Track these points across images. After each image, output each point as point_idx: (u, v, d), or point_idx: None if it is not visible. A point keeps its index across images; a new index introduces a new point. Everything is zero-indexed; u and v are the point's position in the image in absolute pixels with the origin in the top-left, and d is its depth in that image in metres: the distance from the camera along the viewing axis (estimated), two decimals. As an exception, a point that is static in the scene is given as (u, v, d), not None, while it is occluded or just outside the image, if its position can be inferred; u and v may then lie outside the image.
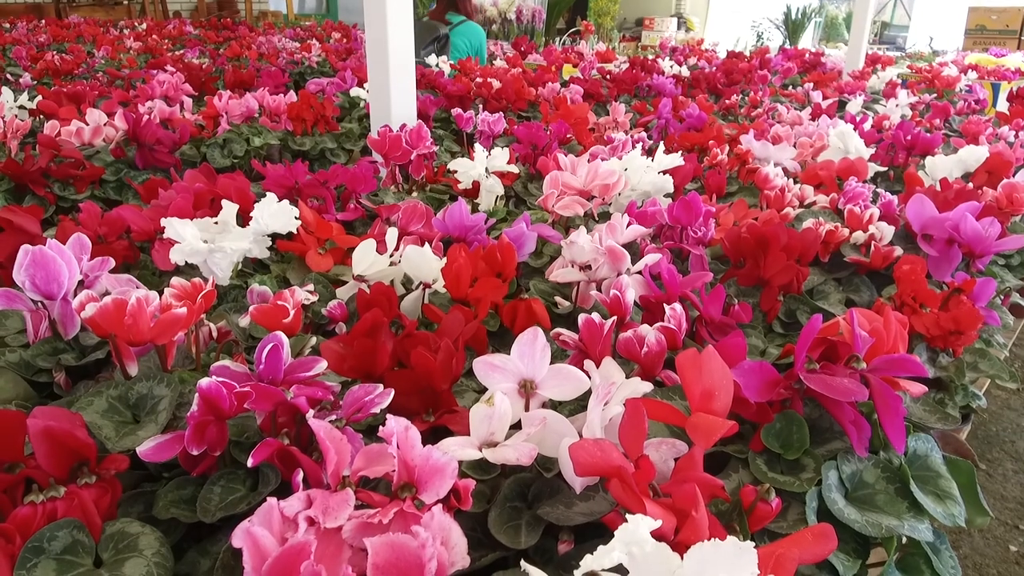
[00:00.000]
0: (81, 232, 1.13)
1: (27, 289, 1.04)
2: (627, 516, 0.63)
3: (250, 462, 0.78)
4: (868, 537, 0.79)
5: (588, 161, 1.68)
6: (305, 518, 0.68)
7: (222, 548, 0.81)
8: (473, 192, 1.89)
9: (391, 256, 1.30)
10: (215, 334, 1.12)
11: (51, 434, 0.76)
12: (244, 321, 1.20)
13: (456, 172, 1.84)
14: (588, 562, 0.58)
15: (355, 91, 3.37)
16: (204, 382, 0.79)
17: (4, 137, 2.30)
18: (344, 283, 1.38)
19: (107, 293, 1.15)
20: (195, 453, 0.81)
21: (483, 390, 1.12)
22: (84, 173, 2.09)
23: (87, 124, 2.40)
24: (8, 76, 4.33)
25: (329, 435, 0.76)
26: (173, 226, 1.22)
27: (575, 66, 5.00)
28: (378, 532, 0.69)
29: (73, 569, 0.71)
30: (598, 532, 0.80)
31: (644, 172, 1.73)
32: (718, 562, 0.56)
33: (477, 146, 1.77)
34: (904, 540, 0.82)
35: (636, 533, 0.58)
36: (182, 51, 5.83)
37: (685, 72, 4.68)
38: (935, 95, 3.96)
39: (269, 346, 0.86)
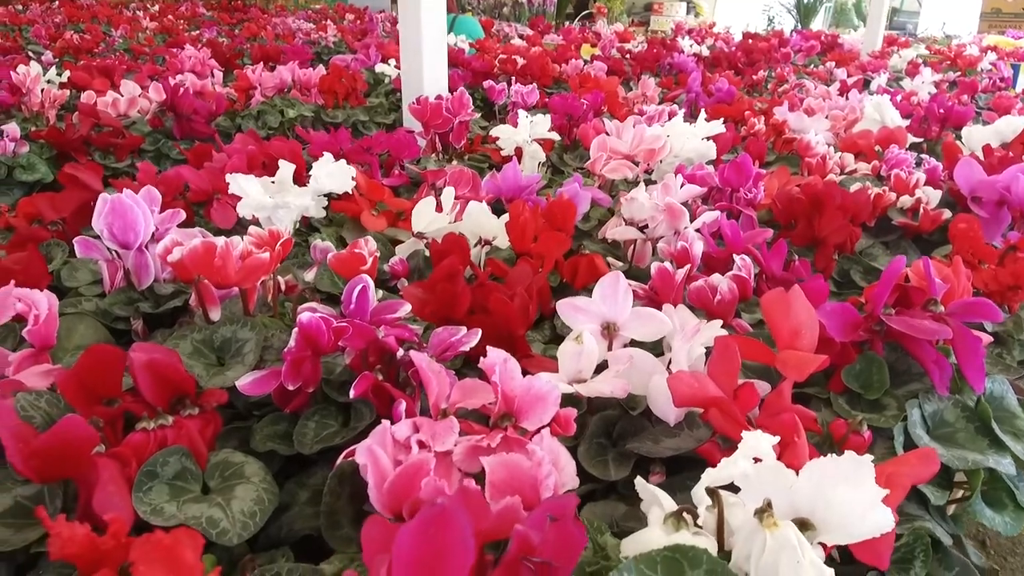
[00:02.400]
0: (151, 187, 1.15)
1: (105, 238, 1.05)
2: (735, 440, 0.64)
3: (352, 393, 0.80)
4: (951, 473, 0.81)
5: (633, 126, 1.68)
6: (416, 441, 0.70)
7: (318, 480, 0.84)
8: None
9: (449, 215, 1.31)
10: (283, 287, 1.13)
11: (155, 366, 0.77)
12: (309, 275, 1.22)
13: (499, 139, 1.84)
14: (708, 476, 0.60)
15: (380, 67, 3.37)
16: (304, 316, 0.80)
17: (41, 108, 2.31)
18: (398, 243, 1.39)
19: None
20: (291, 388, 0.83)
21: (550, 341, 1.14)
22: (124, 142, 2.10)
23: (121, 95, 2.41)
24: (30, 54, 4.34)
25: (430, 367, 0.77)
26: (237, 181, 1.24)
27: (593, 46, 4.99)
28: (486, 456, 0.71)
29: (184, 494, 0.73)
30: (681, 468, 0.82)
31: (687, 138, 1.73)
32: (837, 475, 0.57)
33: (521, 112, 1.77)
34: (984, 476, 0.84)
35: (755, 449, 0.60)
36: (198, 31, 5.82)
37: (705, 51, 4.67)
38: (958, 74, 3.95)
39: (358, 287, 0.88)
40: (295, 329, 0.82)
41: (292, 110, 2.48)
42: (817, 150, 1.85)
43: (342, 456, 0.76)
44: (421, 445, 0.69)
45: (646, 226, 1.30)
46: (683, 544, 0.55)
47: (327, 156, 1.38)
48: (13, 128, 1.96)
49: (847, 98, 2.78)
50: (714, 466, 0.61)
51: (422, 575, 0.43)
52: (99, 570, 0.56)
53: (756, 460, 0.60)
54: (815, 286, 0.89)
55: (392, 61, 3.37)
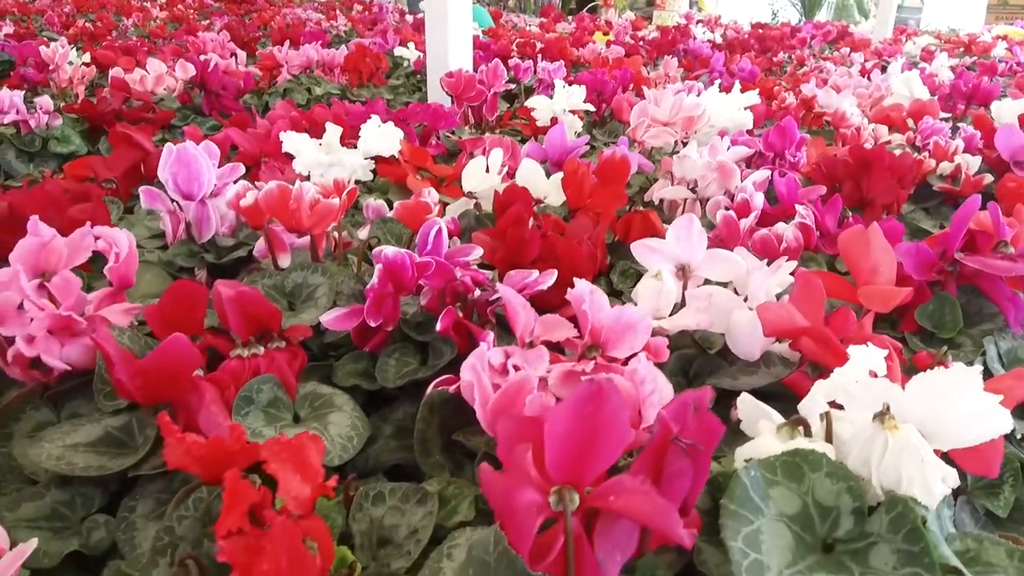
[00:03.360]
0: (210, 141, 1.15)
1: (169, 188, 1.06)
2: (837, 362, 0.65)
3: (439, 326, 0.81)
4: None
5: (673, 94, 1.69)
6: (512, 365, 0.70)
7: (400, 415, 0.84)
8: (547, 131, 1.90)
9: (498, 175, 1.32)
10: (339, 243, 1.14)
11: (242, 299, 0.78)
12: (362, 233, 1.23)
13: (533, 110, 1.85)
14: (820, 387, 0.60)
15: (399, 50, 3.37)
16: (389, 251, 0.81)
17: (70, 83, 2.31)
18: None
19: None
20: (372, 325, 0.84)
21: (609, 295, 1.15)
22: (155, 116, 2.11)
23: (148, 73, 2.41)
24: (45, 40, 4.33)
25: (516, 300, 0.78)
26: (291, 140, 1.24)
27: (605, 34, 4.99)
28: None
29: (278, 421, 0.74)
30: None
31: (724, 108, 1.74)
32: (945, 386, 0.58)
33: (557, 81, 1.78)
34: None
35: (867, 361, 0.60)
36: (208, 22, 5.82)
37: (718, 39, 4.67)
38: (974, 59, 3.95)
39: (434, 229, 0.88)
40: (378, 266, 0.83)
41: (318, 88, 2.48)
42: (852, 121, 1.85)
43: (432, 386, 0.76)
44: (516, 368, 0.70)
45: (695, 186, 1.31)
46: (802, 448, 0.55)
47: (374, 118, 1.39)
48: (46, 101, 1.96)
49: (869, 79, 2.79)
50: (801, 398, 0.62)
51: (576, 454, 0.44)
52: (222, 474, 0.57)
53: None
54: (891, 226, 0.89)
55: (411, 44, 3.37)
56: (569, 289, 0.76)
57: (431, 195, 1.06)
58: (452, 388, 0.75)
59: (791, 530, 0.52)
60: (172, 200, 1.08)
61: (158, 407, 0.76)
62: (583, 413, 0.43)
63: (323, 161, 1.23)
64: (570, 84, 2.44)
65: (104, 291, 0.86)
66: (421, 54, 3.24)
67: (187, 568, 0.56)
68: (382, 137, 1.37)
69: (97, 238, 0.85)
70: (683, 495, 0.46)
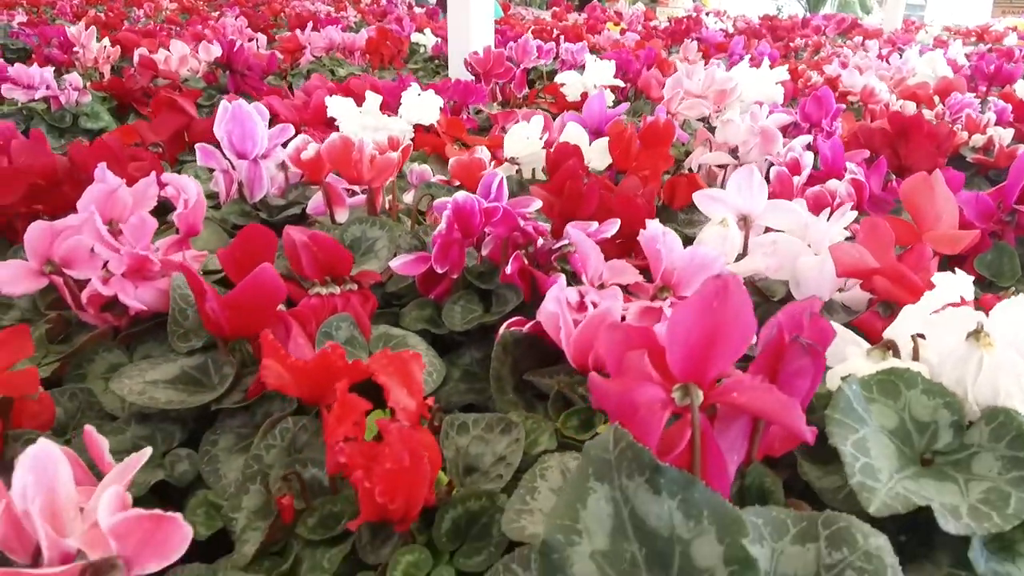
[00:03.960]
0: (259, 103, 1.16)
1: (224, 146, 1.06)
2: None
3: (509, 268, 0.81)
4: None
5: (704, 68, 1.69)
6: (591, 302, 0.71)
7: (467, 360, 0.85)
8: (577, 106, 1.91)
9: (540, 140, 1.32)
10: (393, 203, 1.15)
11: (316, 243, 0.79)
12: (407, 197, 1.23)
13: (564, 85, 1.85)
14: (908, 312, 0.61)
15: (415, 36, 3.37)
16: (460, 195, 0.82)
17: (95, 63, 2.31)
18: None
19: (283, 164, 1.18)
20: (439, 271, 0.84)
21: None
22: (182, 95, 2.11)
23: (171, 54, 2.41)
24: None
25: (587, 242, 0.79)
26: (336, 104, 1.25)
27: (616, 24, 4.99)
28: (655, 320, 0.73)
29: (355, 359, 0.74)
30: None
31: (756, 82, 1.74)
32: (1032, 309, 0.59)
33: (588, 56, 1.78)
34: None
35: (955, 288, 0.61)
36: (218, 14, 5.81)
37: (730, 28, 4.68)
38: (988, 47, 3.96)
39: (497, 178, 0.89)
40: (446, 212, 0.83)
41: (341, 69, 2.49)
42: (881, 97, 1.86)
43: (504, 326, 0.77)
44: (594, 305, 0.71)
45: (736, 151, 1.31)
46: (898, 367, 0.56)
47: (414, 86, 1.39)
48: (75, 78, 1.97)
49: (888, 63, 2.79)
50: (875, 340, 0.63)
51: (700, 350, 0.44)
52: (323, 393, 0.58)
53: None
54: (951, 175, 0.90)
55: (427, 30, 3.38)
56: (641, 231, 0.76)
57: (484, 152, 1.07)
58: (526, 328, 0.76)
59: (892, 442, 0.53)
60: (225, 159, 1.09)
61: (233, 347, 0.77)
62: (708, 308, 0.44)
63: (368, 124, 1.23)
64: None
65: (172, 238, 0.87)
66: (438, 39, 3.25)
67: (290, 481, 0.57)
68: (422, 105, 1.37)
69: (165, 185, 0.86)
70: (803, 393, 0.47)
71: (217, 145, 1.08)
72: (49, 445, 0.46)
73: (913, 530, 0.51)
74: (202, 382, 0.76)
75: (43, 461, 0.45)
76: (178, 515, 0.41)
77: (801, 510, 0.47)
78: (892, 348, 0.60)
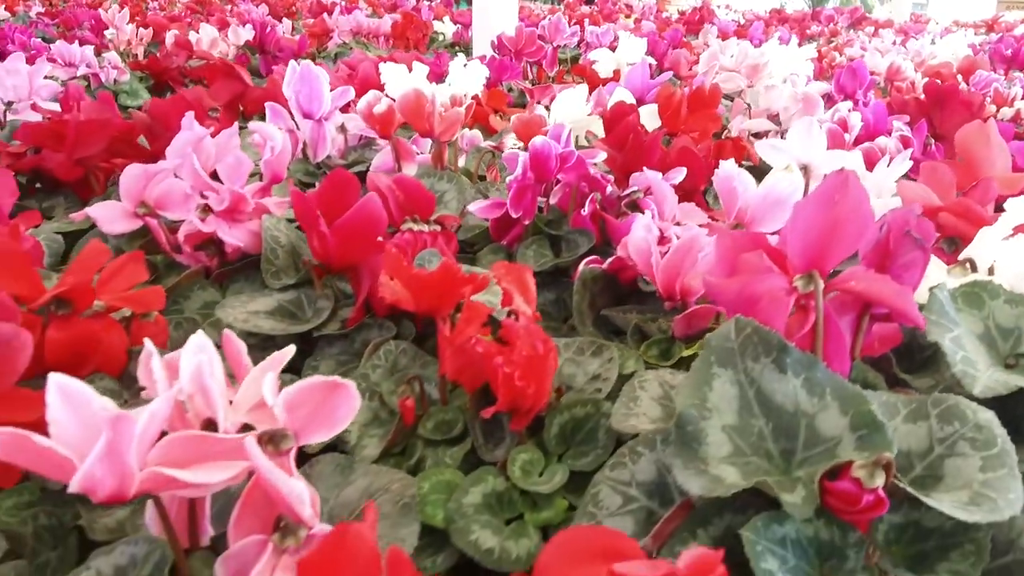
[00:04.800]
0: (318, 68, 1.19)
1: (292, 106, 1.10)
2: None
3: (586, 209, 0.85)
4: None
5: (736, 43, 1.73)
6: (673, 235, 0.75)
7: (542, 300, 0.89)
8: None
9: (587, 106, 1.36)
10: (455, 160, 1.18)
11: (401, 185, 0.82)
12: (460, 161, 1.27)
13: (596, 62, 1.89)
14: (984, 235, 0.65)
15: (435, 24, 3.41)
16: (537, 140, 0.85)
17: (128, 45, 2.35)
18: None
19: (342, 126, 1.21)
20: (514, 216, 0.88)
21: (707, 212, 1.19)
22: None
23: (201, 36, 2.45)
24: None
25: (661, 184, 0.82)
26: (390, 70, 1.28)
27: (627, 16, 5.03)
28: (734, 252, 0.76)
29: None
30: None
31: (787, 58, 1.78)
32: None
33: (621, 33, 1.82)
34: None
35: (1018, 216, 0.65)
36: (230, 7, 5.85)
37: (741, 20, 4.71)
38: (999, 37, 4.00)
39: (566, 129, 0.92)
40: (522, 158, 0.87)
41: (369, 52, 2.52)
42: (906, 75, 1.89)
43: (584, 263, 0.81)
44: (677, 237, 0.74)
45: (778, 118, 1.35)
46: (981, 279, 0.60)
47: (460, 56, 1.43)
48: (114, 56, 2.01)
49: (905, 48, 2.83)
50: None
51: (820, 241, 0.48)
52: (441, 304, 0.62)
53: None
54: (1003, 126, 0.93)
55: (446, 18, 3.41)
56: (716, 171, 0.80)
57: (543, 110, 1.10)
58: (604, 265, 0.80)
59: (981, 345, 0.57)
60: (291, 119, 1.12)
61: (326, 283, 0.81)
62: (829, 201, 0.47)
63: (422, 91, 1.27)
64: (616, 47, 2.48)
65: (256, 184, 0.90)
66: (458, 26, 3.29)
67: (412, 385, 0.61)
68: (468, 76, 1.41)
69: (253, 132, 0.89)
70: (913, 284, 0.50)
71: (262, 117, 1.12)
72: (205, 337, 0.49)
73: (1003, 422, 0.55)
74: (297, 315, 0.80)
75: (205, 348, 0.49)
76: (349, 382, 0.45)
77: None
78: (971, 265, 0.63)
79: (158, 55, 2.14)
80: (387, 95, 1.31)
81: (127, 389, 0.66)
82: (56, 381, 0.40)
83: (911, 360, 0.63)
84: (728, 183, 0.78)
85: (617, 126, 1.05)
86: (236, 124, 0.92)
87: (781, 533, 0.42)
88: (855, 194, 0.47)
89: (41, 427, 0.54)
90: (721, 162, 0.80)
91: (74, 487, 0.38)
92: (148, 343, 0.48)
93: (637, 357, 0.73)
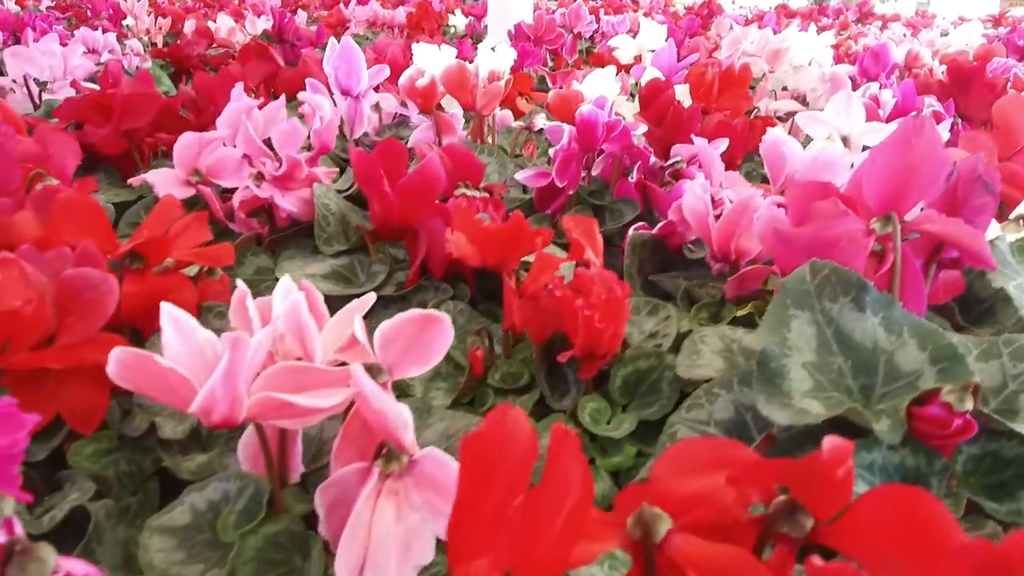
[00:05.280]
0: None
1: (331, 82, 1.11)
2: None
3: (634, 176, 0.86)
4: None
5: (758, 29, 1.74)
6: (727, 198, 0.76)
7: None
8: (628, 70, 1.95)
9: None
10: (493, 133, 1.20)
11: (451, 152, 0.83)
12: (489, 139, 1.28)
13: (617, 49, 1.90)
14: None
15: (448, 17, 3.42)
16: (584, 108, 0.87)
17: (147, 33, 2.36)
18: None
19: (376, 105, 1.23)
20: (560, 185, 0.89)
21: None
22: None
23: (219, 26, 2.46)
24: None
25: (709, 150, 0.84)
26: (423, 50, 1.29)
27: (635, 11, 5.04)
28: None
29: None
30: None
31: (806, 45, 1.79)
32: None
33: (642, 19, 1.83)
34: None
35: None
36: (238, 1, 5.85)
37: (749, 15, 4.73)
38: (1009, 29, 4.01)
39: (609, 101, 0.94)
40: (567, 127, 0.88)
41: (385, 42, 2.53)
42: (925, 61, 1.90)
43: (632, 229, 0.82)
44: (730, 201, 0.76)
45: (805, 99, 1.36)
46: (1037, 233, 0.61)
47: (488, 38, 1.44)
48: (136, 44, 2.02)
49: (917, 39, 2.84)
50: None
51: (896, 184, 0.49)
52: (507, 258, 0.63)
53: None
54: (1039, 97, 0.95)
55: (458, 11, 3.42)
56: (763, 138, 0.81)
57: (577, 85, 1.12)
58: (655, 230, 0.81)
59: (1041, 294, 0.58)
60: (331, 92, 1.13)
61: (378, 249, 0.82)
62: (906, 145, 0.49)
63: (456, 69, 1.28)
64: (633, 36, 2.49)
65: (309, 154, 0.91)
66: (470, 18, 3.30)
67: (481, 336, 0.62)
68: (497, 57, 1.42)
69: (302, 103, 0.91)
70: (984, 228, 0.51)
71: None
72: (291, 281, 0.51)
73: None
74: (350, 280, 0.81)
75: (293, 292, 0.50)
76: (444, 315, 0.46)
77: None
78: (1023, 222, 0.65)
79: (177, 44, 2.15)
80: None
81: (196, 344, 0.67)
82: (168, 310, 0.42)
83: (968, 313, 0.64)
84: (776, 148, 0.79)
85: (654, 102, 1.06)
86: (283, 97, 0.93)
87: (869, 459, 0.43)
88: (930, 137, 0.48)
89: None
90: (768, 128, 0.81)
91: (195, 407, 0.39)
92: (242, 284, 0.49)
93: (689, 319, 0.74)
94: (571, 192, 0.92)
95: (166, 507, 0.49)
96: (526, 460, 0.27)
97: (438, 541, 0.41)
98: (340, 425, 0.56)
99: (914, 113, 0.49)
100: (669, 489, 0.34)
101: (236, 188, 0.86)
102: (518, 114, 1.52)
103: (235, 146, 0.86)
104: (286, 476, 0.49)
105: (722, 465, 0.35)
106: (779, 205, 0.77)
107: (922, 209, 0.55)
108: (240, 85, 0.90)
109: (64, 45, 1.98)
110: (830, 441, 0.29)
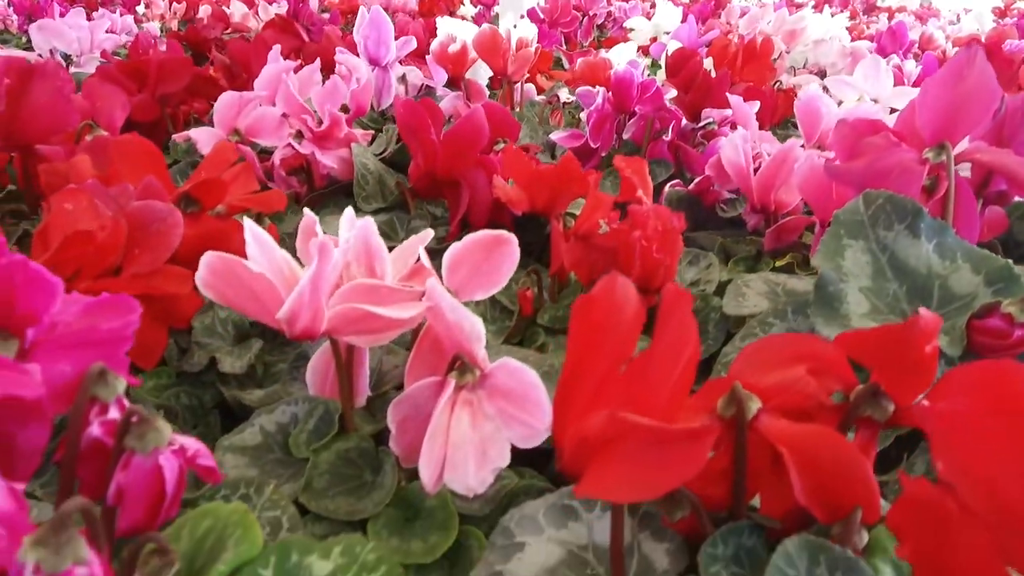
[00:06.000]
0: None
1: (361, 50, 1.12)
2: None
3: (669, 136, 0.87)
4: None
5: (774, 11, 1.75)
6: (765, 151, 0.77)
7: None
8: (644, 51, 1.97)
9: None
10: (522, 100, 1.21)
11: (489, 111, 0.84)
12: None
13: (633, 30, 1.91)
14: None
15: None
16: (620, 68, 0.88)
17: (163, 18, 2.37)
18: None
19: (403, 76, 1.24)
20: (594, 146, 0.90)
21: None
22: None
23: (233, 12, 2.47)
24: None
25: (744, 107, 0.85)
26: (447, 24, 1.30)
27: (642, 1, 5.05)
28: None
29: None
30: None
31: (822, 25, 1.80)
32: None
33: (658, 1, 1.84)
34: None
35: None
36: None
37: (756, 8, 4.74)
38: (1019, 16, 4.02)
39: (641, 64, 0.95)
40: (602, 89, 0.89)
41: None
42: (939, 43, 1.91)
43: (668, 186, 0.83)
44: (768, 153, 0.77)
45: (824, 74, 1.37)
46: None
47: (510, 15, 1.45)
48: (154, 27, 2.03)
49: (926, 25, 2.85)
50: None
51: (949, 113, 0.50)
52: (556, 201, 0.64)
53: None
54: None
55: (467, 0, 3.43)
56: (799, 95, 0.82)
57: (605, 54, 1.13)
58: (691, 187, 0.82)
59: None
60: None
61: (419, 204, 0.83)
62: (959, 76, 0.50)
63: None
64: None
65: (346, 116, 0.92)
66: (480, 7, 3.31)
67: (532, 277, 0.63)
68: (520, 30, 1.43)
69: (339, 64, 0.92)
70: (1034, 158, 0.53)
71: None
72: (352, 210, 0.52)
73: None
74: (390, 235, 0.83)
75: (354, 218, 0.51)
76: (512, 236, 0.47)
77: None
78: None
79: (195, 27, 2.16)
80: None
81: (247, 289, 0.68)
82: (249, 225, 0.43)
83: (1008, 255, 0.65)
84: (813, 104, 0.81)
85: (682, 69, 1.07)
86: (317, 61, 0.94)
87: (930, 373, 0.44)
88: (982, 69, 0.50)
89: (192, 301, 0.57)
90: (804, 87, 0.82)
91: (283, 313, 0.40)
92: (308, 212, 0.51)
93: (728, 269, 0.75)
94: (604, 153, 0.93)
95: (235, 429, 0.50)
96: (634, 326, 0.28)
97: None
98: (397, 359, 0.58)
99: (967, 45, 0.50)
100: (750, 381, 0.35)
101: (273, 149, 0.88)
102: (540, 89, 1.54)
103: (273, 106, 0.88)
104: (353, 399, 0.51)
105: (802, 358, 0.36)
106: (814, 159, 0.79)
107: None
108: (277, 47, 0.92)
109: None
110: (925, 312, 0.30)
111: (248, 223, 0.43)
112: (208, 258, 0.40)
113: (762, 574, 0.34)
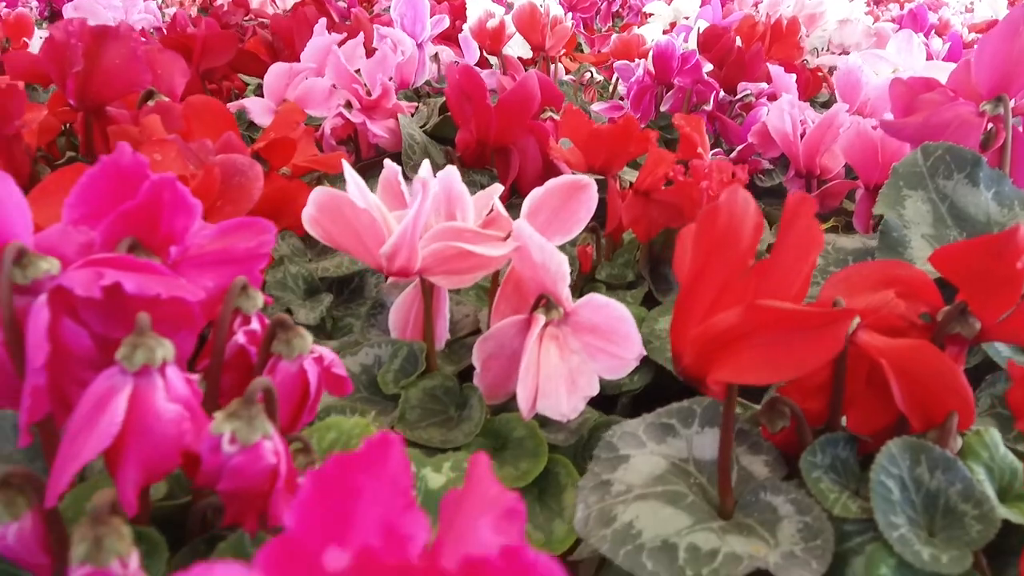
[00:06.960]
0: None
1: (397, 26, 1.14)
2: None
3: (710, 106, 0.89)
4: None
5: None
6: (811, 119, 0.79)
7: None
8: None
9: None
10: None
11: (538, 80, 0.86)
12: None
13: (652, 15, 1.93)
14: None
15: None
16: (661, 40, 0.90)
17: (181, 5, 2.39)
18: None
19: (435, 55, 1.25)
20: (635, 116, 0.92)
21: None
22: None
23: (250, -1, 2.48)
24: None
25: (784, 76, 0.86)
26: (475, 2, 1.32)
27: (648, -5, 5.07)
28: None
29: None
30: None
31: (841, 8, 1.81)
32: None
33: (678, -15, 1.85)
34: None
35: None
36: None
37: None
38: (1024, 10, 4.04)
39: (680, 34, 0.96)
40: (641, 63, 0.91)
41: (414, 15, 2.55)
42: (955, 29, 1.93)
43: (710, 154, 0.85)
44: (812, 122, 0.79)
45: (847, 54, 1.39)
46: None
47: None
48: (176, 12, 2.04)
49: (939, 13, 2.86)
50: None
51: (1006, 68, 0.52)
52: (613, 161, 0.66)
53: None
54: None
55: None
56: (839, 65, 0.84)
57: (638, 30, 1.15)
58: (734, 154, 0.84)
59: None
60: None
61: (466, 172, 0.85)
62: (1014, 31, 0.52)
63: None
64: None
65: (391, 85, 0.94)
66: (493, -4, 3.32)
67: (591, 233, 0.65)
68: (552, 7, 1.45)
69: (384, 37, 0.94)
70: (1088, 112, 0.55)
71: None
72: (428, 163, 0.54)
73: None
74: (439, 202, 0.84)
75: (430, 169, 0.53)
76: (590, 180, 0.49)
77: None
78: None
79: (216, 13, 2.18)
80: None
81: (310, 248, 0.70)
82: (347, 167, 0.45)
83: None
84: (853, 74, 0.83)
85: (715, 45, 1.09)
86: (361, 35, 0.96)
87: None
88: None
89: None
90: (844, 57, 0.84)
91: (386, 248, 0.42)
92: (389, 163, 0.53)
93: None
94: (643, 125, 0.95)
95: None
96: (755, 237, 0.30)
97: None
98: (467, 309, 0.60)
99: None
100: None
101: (321, 119, 0.90)
102: (566, 71, 1.56)
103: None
104: (434, 341, 0.53)
105: (891, 282, 0.38)
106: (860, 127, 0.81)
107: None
108: (323, 21, 0.94)
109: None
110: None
111: (345, 165, 0.45)
112: (316, 194, 0.42)
113: (856, 484, 0.36)
